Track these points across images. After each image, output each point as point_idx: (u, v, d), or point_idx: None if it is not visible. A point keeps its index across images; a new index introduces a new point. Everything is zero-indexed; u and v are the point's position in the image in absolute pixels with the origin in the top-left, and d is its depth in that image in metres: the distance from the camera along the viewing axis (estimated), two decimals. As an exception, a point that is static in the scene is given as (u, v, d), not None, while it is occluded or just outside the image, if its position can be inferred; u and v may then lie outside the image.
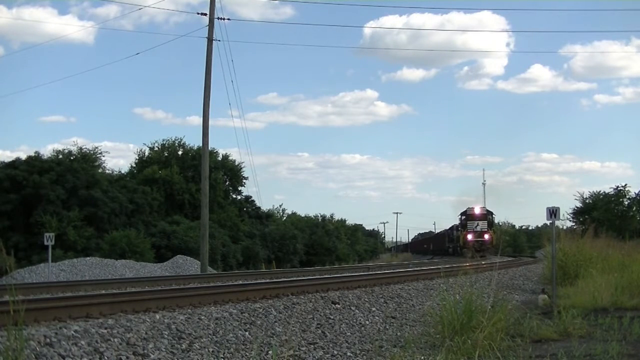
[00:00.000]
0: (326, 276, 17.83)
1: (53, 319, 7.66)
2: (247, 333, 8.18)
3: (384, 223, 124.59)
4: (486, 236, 46.47)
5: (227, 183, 58.59)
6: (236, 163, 57.47)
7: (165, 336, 7.36)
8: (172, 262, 32.14)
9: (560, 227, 19.67)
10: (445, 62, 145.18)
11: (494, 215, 50.73)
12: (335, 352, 7.96)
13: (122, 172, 53.20)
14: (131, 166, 55.84)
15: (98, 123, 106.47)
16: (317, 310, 10.14)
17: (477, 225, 47.00)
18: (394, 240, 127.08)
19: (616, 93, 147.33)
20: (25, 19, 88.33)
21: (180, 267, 30.61)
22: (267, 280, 15.21)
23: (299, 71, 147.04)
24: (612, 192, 50.91)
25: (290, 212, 74.32)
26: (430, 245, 77.13)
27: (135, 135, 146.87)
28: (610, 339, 7.98)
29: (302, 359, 7.52)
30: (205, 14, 28.47)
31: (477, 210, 48.47)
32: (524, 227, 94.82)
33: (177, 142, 57.03)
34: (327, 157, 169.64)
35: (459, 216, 50.99)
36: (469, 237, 46.92)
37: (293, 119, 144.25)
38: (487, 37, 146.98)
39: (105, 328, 7.12)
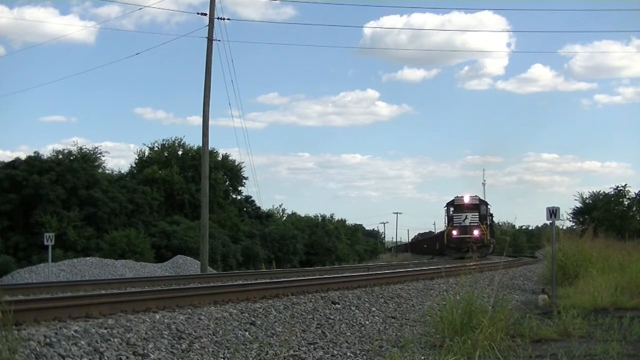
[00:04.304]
0: (326, 276, 17.81)
1: (53, 319, 7.65)
2: (247, 333, 8.18)
3: (384, 223, 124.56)
4: (475, 232, 36.81)
5: (227, 183, 58.58)
6: (236, 163, 57.57)
7: (165, 336, 7.36)
8: (172, 262, 32.16)
9: (560, 227, 19.64)
10: (446, 62, 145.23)
11: (489, 206, 41.06)
12: (335, 352, 7.95)
13: (122, 172, 53.27)
14: (131, 166, 55.89)
15: (98, 123, 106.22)
16: (317, 310, 10.14)
17: (466, 218, 38.16)
18: (394, 240, 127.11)
19: (616, 93, 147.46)
20: (27, 19, 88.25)
21: (180, 267, 30.62)
22: (267, 280, 15.20)
23: (299, 71, 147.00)
24: (612, 192, 50.87)
25: (290, 212, 74.42)
26: (431, 245, 77.02)
27: (136, 135, 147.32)
28: (610, 339, 7.98)
29: (302, 359, 7.52)
30: (206, 14, 28.50)
31: (467, 199, 39.07)
32: (524, 227, 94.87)
33: (177, 142, 57.09)
34: (327, 157, 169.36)
35: (445, 207, 41.03)
36: (454, 233, 38.15)
37: (293, 119, 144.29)
38: (488, 37, 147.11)
39: (105, 328, 7.12)
